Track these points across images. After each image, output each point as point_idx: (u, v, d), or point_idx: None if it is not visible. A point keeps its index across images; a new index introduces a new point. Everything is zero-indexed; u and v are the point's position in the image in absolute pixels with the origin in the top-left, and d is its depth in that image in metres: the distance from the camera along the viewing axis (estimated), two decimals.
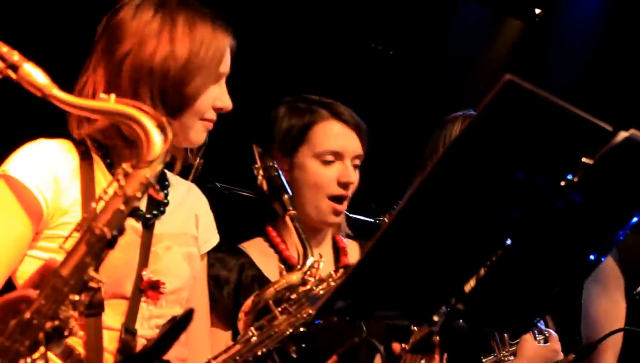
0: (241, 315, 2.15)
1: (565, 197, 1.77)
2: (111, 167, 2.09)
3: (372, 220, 3.02)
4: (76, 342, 1.97)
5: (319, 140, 2.63)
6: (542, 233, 1.84)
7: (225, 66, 2.15)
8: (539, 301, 1.98)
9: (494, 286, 1.86)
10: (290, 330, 2.04)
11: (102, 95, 1.67)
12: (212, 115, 2.14)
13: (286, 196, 2.28)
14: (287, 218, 2.26)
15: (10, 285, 1.98)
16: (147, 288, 2.04)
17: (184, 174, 2.66)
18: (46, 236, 1.99)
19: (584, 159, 1.74)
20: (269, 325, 2.07)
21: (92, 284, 1.57)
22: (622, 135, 1.74)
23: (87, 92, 2.05)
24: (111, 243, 1.57)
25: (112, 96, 1.66)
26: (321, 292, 2.09)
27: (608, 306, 3.17)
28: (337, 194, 2.66)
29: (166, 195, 2.19)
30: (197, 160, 2.74)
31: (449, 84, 4.57)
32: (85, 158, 2.06)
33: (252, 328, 2.08)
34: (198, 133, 2.14)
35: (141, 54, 2.04)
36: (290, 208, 2.26)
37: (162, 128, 1.63)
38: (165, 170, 2.24)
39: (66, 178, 2.01)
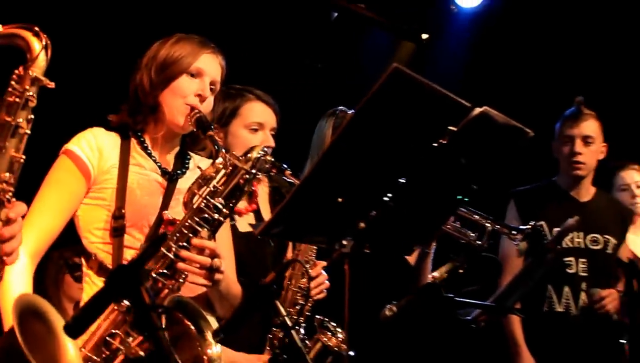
0: (183, 205, 2.51)
1: (438, 155, 2.16)
2: (143, 143, 2.62)
3: None
4: (106, 257, 2.51)
5: (247, 114, 3.17)
6: (424, 181, 2.23)
7: (203, 64, 2.59)
8: (422, 230, 2.42)
9: (390, 217, 2.23)
10: (203, 205, 2.41)
11: None
12: (194, 101, 2.56)
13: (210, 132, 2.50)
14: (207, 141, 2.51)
15: None
16: (166, 224, 2.49)
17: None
18: (94, 190, 2.54)
19: (450, 127, 2.13)
20: (191, 203, 2.44)
21: (15, 161, 1.85)
22: (478, 110, 2.16)
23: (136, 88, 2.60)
24: (16, 134, 1.86)
25: None
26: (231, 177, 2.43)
27: None
28: None
29: (187, 162, 2.66)
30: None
31: (360, 90, 5.18)
32: (124, 138, 2.60)
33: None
34: (180, 112, 2.56)
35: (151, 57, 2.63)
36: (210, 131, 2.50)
37: (36, 34, 1.89)
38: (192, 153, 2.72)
39: (107, 149, 2.55)
